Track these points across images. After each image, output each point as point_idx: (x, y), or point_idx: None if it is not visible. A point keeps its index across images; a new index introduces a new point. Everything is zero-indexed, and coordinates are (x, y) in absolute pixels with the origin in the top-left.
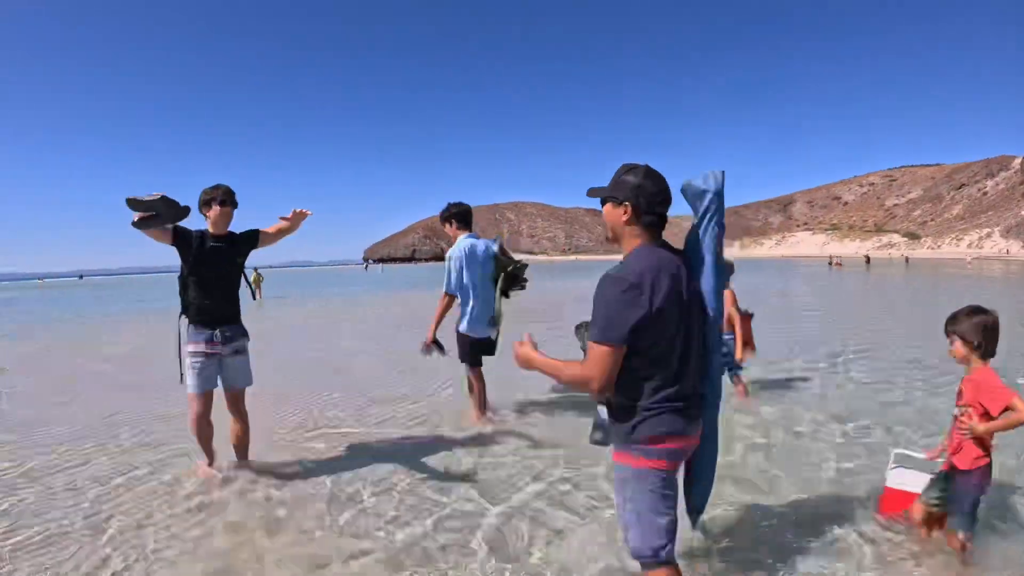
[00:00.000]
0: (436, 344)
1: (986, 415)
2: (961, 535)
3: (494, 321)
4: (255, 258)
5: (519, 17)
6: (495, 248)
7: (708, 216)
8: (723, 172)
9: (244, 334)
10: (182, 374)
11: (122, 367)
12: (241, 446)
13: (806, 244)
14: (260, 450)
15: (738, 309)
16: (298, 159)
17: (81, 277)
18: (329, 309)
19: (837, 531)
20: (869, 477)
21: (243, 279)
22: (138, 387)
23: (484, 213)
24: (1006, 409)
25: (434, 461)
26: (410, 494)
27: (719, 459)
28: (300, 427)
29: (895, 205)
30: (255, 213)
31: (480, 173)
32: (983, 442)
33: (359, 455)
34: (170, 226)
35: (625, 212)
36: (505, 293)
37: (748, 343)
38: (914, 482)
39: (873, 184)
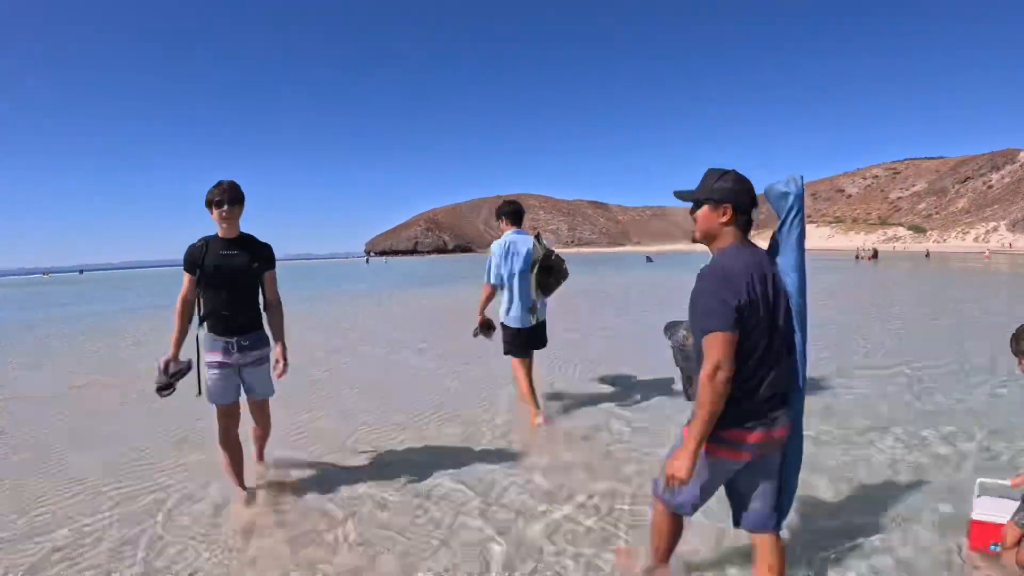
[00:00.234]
0: (486, 325)
1: None
2: None
3: (532, 310)
4: None
5: (520, 11)
6: (532, 241)
7: (792, 217)
8: (802, 176)
9: (265, 342)
10: (200, 386)
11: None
12: (259, 444)
13: (811, 237)
14: (294, 457)
15: None
16: (295, 150)
17: (81, 272)
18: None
19: (910, 553)
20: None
21: (260, 285)
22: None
23: (485, 205)
24: None
25: (494, 466)
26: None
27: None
28: (340, 432)
29: (899, 198)
30: (251, 204)
31: (483, 166)
32: None
33: (407, 464)
34: (193, 276)
35: (724, 214)
36: (545, 285)
37: None
38: (1001, 511)
39: (876, 177)
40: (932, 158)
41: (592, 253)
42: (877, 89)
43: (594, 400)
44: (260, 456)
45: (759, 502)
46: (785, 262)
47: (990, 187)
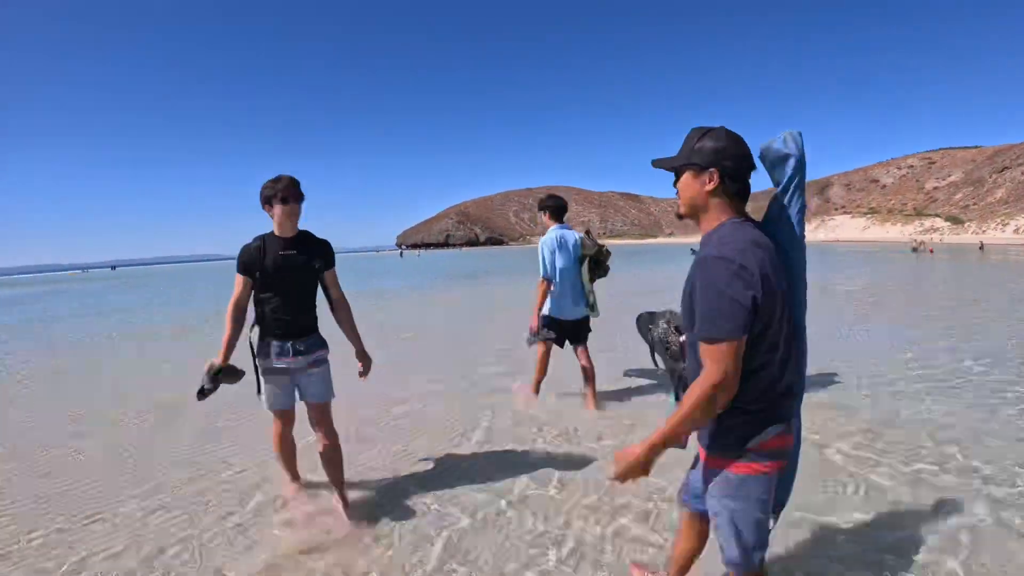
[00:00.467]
0: (543, 329)
1: None
2: None
3: (593, 305)
4: None
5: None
6: (579, 236)
7: (794, 185)
8: (800, 133)
9: (322, 345)
10: (259, 389)
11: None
12: (331, 463)
13: (846, 228)
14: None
15: None
16: (325, 145)
17: (113, 268)
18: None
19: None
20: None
21: (319, 285)
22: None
23: (516, 198)
24: None
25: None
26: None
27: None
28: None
29: (935, 188)
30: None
31: (513, 158)
32: None
33: (457, 471)
34: (247, 277)
35: (710, 180)
36: (592, 279)
37: None
38: None
39: (912, 167)
40: (968, 147)
41: (626, 245)
42: (911, 78)
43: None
44: (344, 500)
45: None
46: (785, 237)
47: None
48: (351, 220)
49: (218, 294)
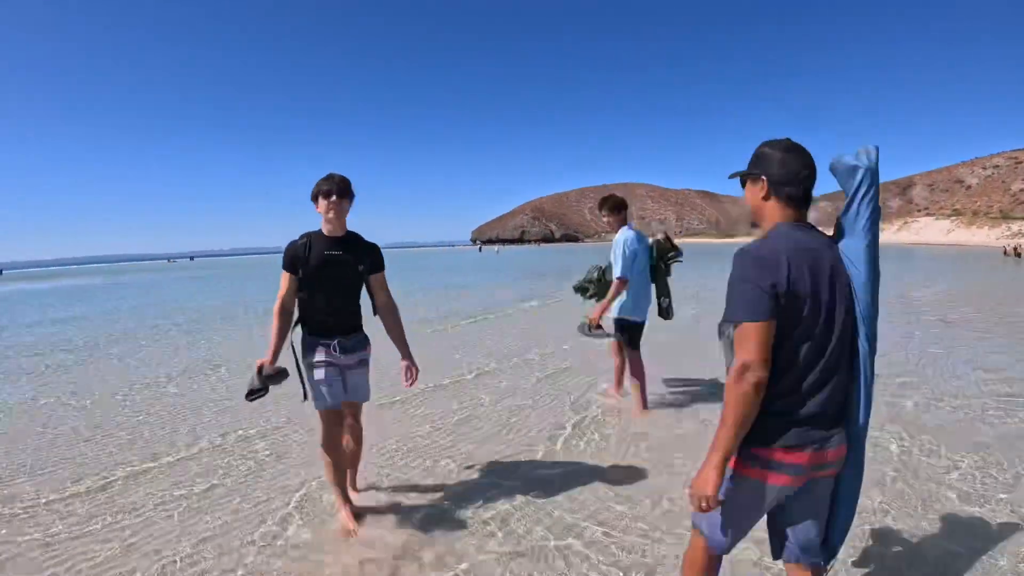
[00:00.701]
0: (599, 326)
1: None
2: None
3: (668, 307)
4: None
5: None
6: (660, 236)
7: (860, 196)
8: (877, 148)
9: (365, 343)
10: (304, 391)
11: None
12: (352, 467)
13: (930, 231)
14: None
15: None
16: (403, 140)
17: (192, 259)
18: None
19: None
20: None
21: (365, 286)
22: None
23: (592, 194)
24: None
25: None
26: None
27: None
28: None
29: (1021, 190)
30: (361, 194)
31: (589, 154)
32: None
33: (505, 480)
34: (292, 278)
35: (762, 188)
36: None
37: None
38: None
39: (997, 167)
40: None
41: (703, 243)
42: (996, 74)
43: None
44: (353, 483)
45: (803, 532)
46: (850, 250)
47: None
48: (425, 215)
49: None
